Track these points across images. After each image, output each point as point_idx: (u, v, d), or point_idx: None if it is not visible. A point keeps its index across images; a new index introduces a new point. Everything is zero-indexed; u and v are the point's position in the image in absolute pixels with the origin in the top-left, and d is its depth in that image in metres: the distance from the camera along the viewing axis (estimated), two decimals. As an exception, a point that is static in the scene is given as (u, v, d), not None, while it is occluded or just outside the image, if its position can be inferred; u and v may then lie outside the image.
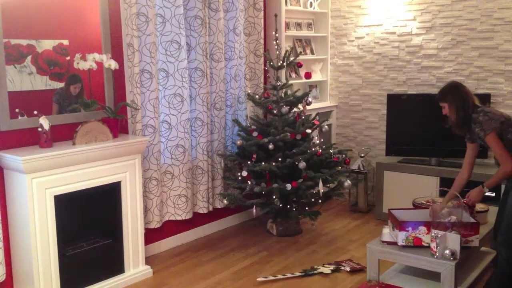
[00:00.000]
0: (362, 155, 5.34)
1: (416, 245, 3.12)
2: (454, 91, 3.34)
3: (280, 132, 4.32)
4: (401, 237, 3.13)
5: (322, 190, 4.23)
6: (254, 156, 4.28)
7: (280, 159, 4.26)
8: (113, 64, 3.52)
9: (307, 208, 4.43)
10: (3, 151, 3.14)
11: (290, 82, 4.85)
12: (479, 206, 3.60)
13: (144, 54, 3.84)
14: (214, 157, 4.54)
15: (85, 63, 3.43)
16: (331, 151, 4.47)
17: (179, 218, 4.27)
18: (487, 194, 3.45)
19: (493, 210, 3.57)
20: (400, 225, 3.14)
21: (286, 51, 4.52)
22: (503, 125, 3.19)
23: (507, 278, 3.20)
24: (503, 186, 3.43)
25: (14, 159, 3.01)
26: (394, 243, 3.20)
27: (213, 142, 4.53)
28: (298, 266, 3.93)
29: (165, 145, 4.16)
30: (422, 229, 3.10)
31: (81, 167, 3.30)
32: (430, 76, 5.07)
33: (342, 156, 4.53)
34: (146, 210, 3.98)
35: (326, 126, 4.56)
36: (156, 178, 4.00)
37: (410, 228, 3.12)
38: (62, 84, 3.48)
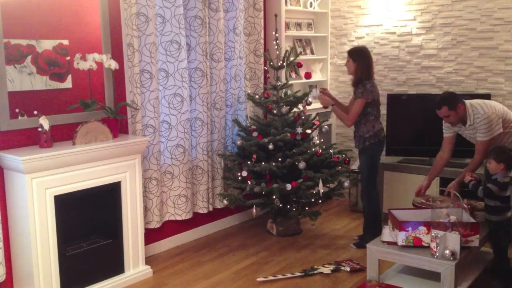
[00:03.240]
0: (362, 155, 5.33)
1: (416, 245, 3.12)
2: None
3: (280, 132, 4.32)
4: (401, 237, 3.13)
5: (322, 190, 4.23)
6: (254, 156, 4.28)
7: (280, 159, 4.26)
8: (113, 64, 3.52)
9: (307, 208, 4.43)
10: (3, 151, 3.14)
11: (290, 82, 4.85)
12: (481, 205, 3.61)
13: (144, 54, 3.84)
14: (214, 157, 4.54)
15: (85, 63, 3.43)
16: (331, 151, 4.47)
17: (179, 218, 4.27)
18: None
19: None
20: (400, 225, 3.14)
21: (286, 51, 4.52)
22: None
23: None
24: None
25: (14, 159, 3.01)
26: (394, 243, 3.20)
27: (213, 142, 4.53)
28: (298, 266, 3.93)
29: (165, 145, 4.16)
30: (422, 229, 3.11)
31: (81, 167, 3.30)
32: (430, 76, 5.07)
33: (342, 156, 4.53)
34: (146, 210, 3.98)
35: (326, 126, 4.56)
36: (156, 178, 4.01)
37: (410, 228, 3.12)
38: (62, 84, 3.48)
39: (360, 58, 4.11)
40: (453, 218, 3.10)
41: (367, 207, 4.25)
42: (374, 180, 4.22)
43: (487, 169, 3.48)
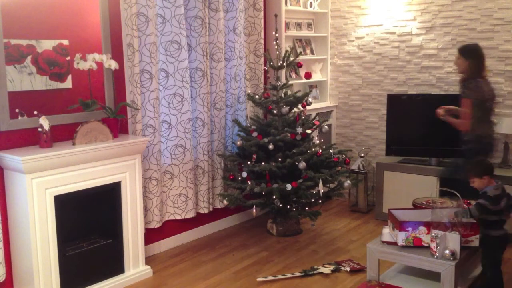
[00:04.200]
0: (362, 155, 5.34)
1: (416, 245, 3.12)
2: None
3: (280, 132, 4.32)
4: (401, 237, 3.13)
5: (322, 190, 4.23)
6: (254, 156, 4.28)
7: (280, 159, 4.26)
8: (113, 64, 3.52)
9: (307, 208, 4.43)
10: (3, 151, 3.14)
11: (290, 82, 4.85)
12: None
13: (144, 54, 3.84)
14: (214, 157, 4.54)
15: (85, 63, 3.43)
16: (331, 151, 4.47)
17: (178, 217, 4.27)
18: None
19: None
20: (400, 225, 3.14)
21: (286, 51, 4.51)
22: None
23: None
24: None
25: (14, 159, 3.01)
26: (394, 243, 3.20)
27: (213, 142, 4.53)
28: (298, 266, 3.93)
29: (165, 145, 4.16)
30: (422, 229, 3.10)
31: (81, 167, 3.30)
32: (430, 76, 5.07)
33: (342, 156, 4.53)
34: (146, 210, 3.98)
35: (326, 127, 4.56)
36: (156, 178, 4.01)
37: (410, 228, 3.12)
38: (62, 84, 3.48)
39: (471, 56, 3.88)
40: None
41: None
42: None
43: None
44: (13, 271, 3.30)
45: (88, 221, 3.62)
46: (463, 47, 4.01)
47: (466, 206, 3.28)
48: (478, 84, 3.78)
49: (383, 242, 3.27)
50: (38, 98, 3.36)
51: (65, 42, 3.46)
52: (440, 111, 4.08)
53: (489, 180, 3.24)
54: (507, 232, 3.30)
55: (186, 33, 4.12)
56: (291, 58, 4.52)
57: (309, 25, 5.64)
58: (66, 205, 3.29)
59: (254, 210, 4.32)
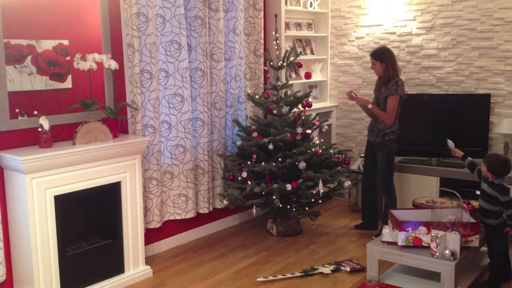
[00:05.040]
0: (362, 155, 5.33)
1: (416, 245, 3.12)
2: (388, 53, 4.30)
3: (280, 132, 4.32)
4: (401, 237, 3.14)
5: (322, 190, 4.23)
6: (254, 156, 4.28)
7: (280, 159, 4.26)
8: (113, 64, 3.52)
9: (307, 208, 4.43)
10: (3, 151, 3.14)
11: (290, 82, 4.85)
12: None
13: (144, 54, 3.84)
14: (214, 157, 4.54)
15: (85, 63, 3.43)
16: (331, 151, 4.47)
17: (178, 217, 4.27)
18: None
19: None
20: (400, 225, 3.14)
21: (286, 51, 4.51)
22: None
23: None
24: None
25: (14, 159, 3.01)
26: (394, 243, 3.20)
27: (213, 142, 4.53)
28: (298, 266, 3.93)
29: (165, 145, 4.16)
30: (422, 229, 3.11)
31: (81, 167, 3.30)
32: (430, 76, 5.07)
33: (342, 156, 4.53)
34: (146, 210, 3.98)
35: (326, 127, 4.56)
36: (156, 178, 4.01)
37: (410, 228, 3.13)
38: (62, 84, 3.48)
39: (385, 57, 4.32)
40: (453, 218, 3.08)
41: (388, 199, 4.40)
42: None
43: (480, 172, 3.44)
44: (13, 271, 3.30)
45: (88, 221, 3.62)
46: (374, 51, 4.38)
47: (465, 206, 3.28)
48: (400, 83, 4.27)
49: (383, 242, 3.27)
50: (38, 98, 3.36)
51: (65, 42, 3.46)
52: (362, 98, 4.49)
53: (492, 176, 3.29)
54: (506, 220, 3.33)
55: (186, 33, 4.12)
56: (291, 58, 4.52)
57: (309, 25, 5.64)
58: (66, 205, 3.29)
59: (254, 210, 4.32)
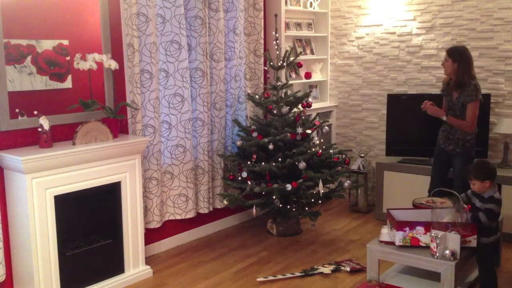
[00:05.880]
0: (362, 155, 5.34)
1: (413, 245, 3.12)
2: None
3: (280, 132, 4.32)
4: (398, 237, 3.13)
5: (322, 190, 4.23)
6: (254, 156, 4.28)
7: (280, 159, 4.26)
8: (113, 64, 3.52)
9: (307, 208, 4.43)
10: (3, 151, 3.14)
11: (290, 82, 4.85)
12: None
13: (144, 54, 3.84)
14: (214, 157, 4.54)
15: (85, 63, 3.43)
16: (331, 151, 4.47)
17: (178, 217, 4.27)
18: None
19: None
20: (397, 225, 3.14)
21: (286, 51, 4.51)
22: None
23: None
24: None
25: (14, 159, 3.01)
26: (392, 243, 3.20)
27: (213, 142, 4.53)
28: (298, 266, 3.93)
29: (165, 145, 4.16)
30: (420, 229, 3.10)
31: (81, 167, 3.30)
32: (430, 76, 5.07)
33: (342, 156, 4.52)
34: (146, 210, 3.98)
35: (326, 127, 4.55)
36: (156, 178, 4.01)
37: (407, 228, 3.12)
38: (62, 84, 3.48)
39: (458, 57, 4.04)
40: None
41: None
42: None
43: (472, 192, 3.33)
44: (13, 271, 3.30)
45: (88, 221, 3.62)
46: (451, 48, 4.11)
47: (466, 207, 3.27)
48: (479, 87, 3.97)
49: (381, 241, 3.27)
50: (38, 98, 3.36)
51: (65, 42, 3.46)
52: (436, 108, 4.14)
53: (490, 185, 3.22)
54: (498, 237, 3.30)
55: (186, 33, 4.12)
56: (291, 58, 4.52)
57: (309, 25, 5.64)
58: (66, 205, 3.29)
59: (254, 210, 4.32)
